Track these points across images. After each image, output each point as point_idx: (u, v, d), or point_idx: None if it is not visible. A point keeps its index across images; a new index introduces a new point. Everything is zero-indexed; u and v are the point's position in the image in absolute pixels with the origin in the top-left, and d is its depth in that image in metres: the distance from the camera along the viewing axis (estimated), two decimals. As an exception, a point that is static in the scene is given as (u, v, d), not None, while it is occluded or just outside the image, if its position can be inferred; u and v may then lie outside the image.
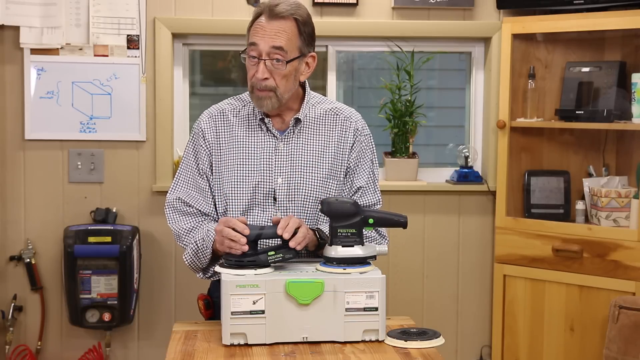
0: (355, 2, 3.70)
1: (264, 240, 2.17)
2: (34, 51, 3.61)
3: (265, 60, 2.23)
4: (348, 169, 2.38)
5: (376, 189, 2.43)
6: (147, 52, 3.66)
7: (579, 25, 3.47)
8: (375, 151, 2.45)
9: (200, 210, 2.36)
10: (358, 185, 2.38)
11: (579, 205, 3.57)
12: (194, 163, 2.38)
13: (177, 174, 2.42)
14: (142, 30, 3.64)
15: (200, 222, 2.35)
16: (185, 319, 2.49)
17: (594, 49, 3.66)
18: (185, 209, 2.36)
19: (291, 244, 2.11)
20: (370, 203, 2.40)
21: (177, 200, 2.37)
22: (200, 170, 2.37)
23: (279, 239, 2.13)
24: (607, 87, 3.53)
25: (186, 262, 2.34)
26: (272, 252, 2.10)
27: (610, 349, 3.16)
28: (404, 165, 3.78)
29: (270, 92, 2.25)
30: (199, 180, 2.37)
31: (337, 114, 2.40)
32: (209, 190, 2.36)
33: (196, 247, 2.29)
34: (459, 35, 3.79)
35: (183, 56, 3.81)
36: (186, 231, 2.35)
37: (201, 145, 2.37)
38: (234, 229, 2.09)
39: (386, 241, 2.42)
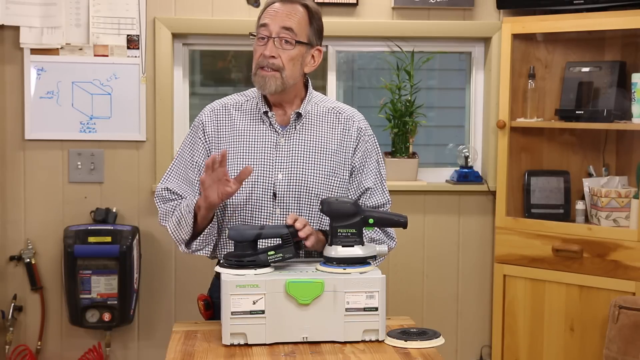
0: (355, 2, 3.70)
1: (264, 240, 2.17)
2: (34, 51, 3.61)
3: (274, 38, 2.25)
4: (353, 169, 2.38)
5: (384, 190, 2.43)
6: (147, 52, 3.66)
7: (579, 25, 3.47)
8: (380, 151, 2.45)
9: (184, 198, 2.36)
10: (366, 186, 2.38)
11: (579, 205, 3.57)
12: (188, 156, 2.38)
13: (171, 164, 2.42)
14: (142, 30, 3.64)
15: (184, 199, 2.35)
16: (185, 319, 2.49)
17: (594, 49, 3.66)
18: (171, 197, 2.37)
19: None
20: (380, 204, 2.40)
21: (165, 190, 2.37)
22: (194, 163, 2.36)
23: (278, 239, 2.13)
24: (607, 87, 3.53)
25: (170, 232, 2.33)
26: (272, 252, 2.09)
27: (610, 349, 3.16)
28: (404, 165, 3.78)
29: (276, 72, 2.26)
30: (190, 173, 2.37)
31: (339, 113, 2.40)
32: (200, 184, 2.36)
33: (180, 214, 2.28)
34: (459, 35, 3.79)
35: (183, 56, 3.81)
36: (172, 208, 2.34)
37: (200, 138, 2.37)
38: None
39: (394, 242, 2.42)
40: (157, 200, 2.40)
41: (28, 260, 3.65)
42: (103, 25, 3.62)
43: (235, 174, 2.30)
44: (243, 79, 4.28)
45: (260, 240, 2.12)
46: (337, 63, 3.89)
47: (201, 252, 2.35)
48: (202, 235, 2.31)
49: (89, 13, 3.61)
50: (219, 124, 2.37)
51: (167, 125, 3.70)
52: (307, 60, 2.33)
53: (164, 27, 3.65)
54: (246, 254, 2.08)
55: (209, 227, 2.29)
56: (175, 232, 2.32)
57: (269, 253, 2.09)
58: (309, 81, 2.41)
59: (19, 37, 3.58)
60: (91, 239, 3.53)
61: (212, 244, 2.34)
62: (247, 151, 2.33)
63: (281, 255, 2.10)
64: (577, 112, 3.52)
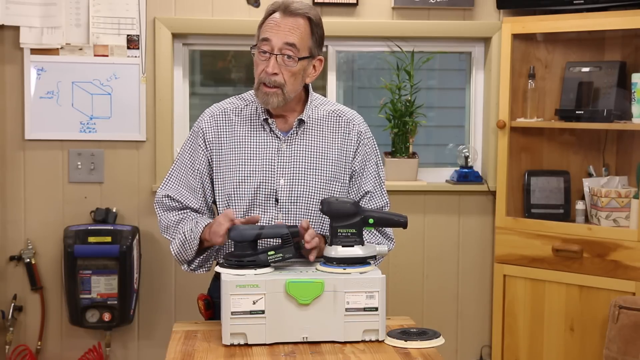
0: (355, 2, 3.70)
1: (264, 240, 2.17)
2: (34, 51, 3.61)
3: (277, 55, 2.24)
4: (353, 173, 2.38)
5: (383, 192, 2.43)
6: (147, 52, 3.66)
7: (579, 25, 3.47)
8: (379, 154, 2.45)
9: (187, 205, 2.36)
10: (366, 190, 2.39)
11: (579, 205, 3.57)
12: (188, 162, 2.38)
13: (170, 170, 2.42)
14: (142, 30, 3.64)
15: (189, 214, 2.35)
16: (185, 319, 2.49)
17: (594, 49, 3.66)
18: (172, 205, 2.37)
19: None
20: (379, 206, 2.40)
21: (166, 197, 2.37)
22: (195, 170, 2.36)
23: (279, 239, 2.13)
24: (607, 87, 3.53)
25: (172, 252, 2.34)
26: (272, 252, 2.09)
27: (610, 349, 3.16)
28: (404, 165, 3.78)
29: (278, 89, 2.25)
30: (191, 179, 2.36)
31: (339, 116, 2.40)
32: (201, 190, 2.36)
33: (184, 237, 2.29)
34: (459, 35, 3.79)
35: (183, 56, 3.81)
36: (175, 222, 2.35)
37: (200, 145, 2.36)
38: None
39: (392, 243, 2.42)
40: (158, 208, 2.39)
41: (28, 260, 3.65)
42: (103, 25, 3.62)
43: (238, 180, 2.32)
44: (243, 79, 4.28)
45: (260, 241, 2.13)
46: (337, 63, 3.89)
47: (202, 269, 2.37)
48: (204, 255, 2.32)
49: (89, 13, 3.61)
50: (219, 130, 2.36)
51: (167, 125, 3.70)
52: (308, 72, 2.32)
53: (164, 27, 3.65)
54: (246, 254, 2.08)
55: (210, 248, 2.33)
56: (178, 253, 2.32)
57: (269, 253, 2.09)
58: (310, 84, 2.40)
59: (19, 37, 3.58)
60: (91, 239, 3.53)
61: (211, 261, 2.37)
62: (249, 157, 2.33)
63: (281, 255, 2.10)
64: (577, 112, 3.52)
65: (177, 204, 2.36)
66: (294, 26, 2.25)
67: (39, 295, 3.69)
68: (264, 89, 2.26)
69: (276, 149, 2.33)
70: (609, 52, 3.64)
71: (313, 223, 2.32)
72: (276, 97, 2.26)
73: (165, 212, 2.37)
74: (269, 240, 2.19)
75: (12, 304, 3.65)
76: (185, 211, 2.36)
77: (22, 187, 3.68)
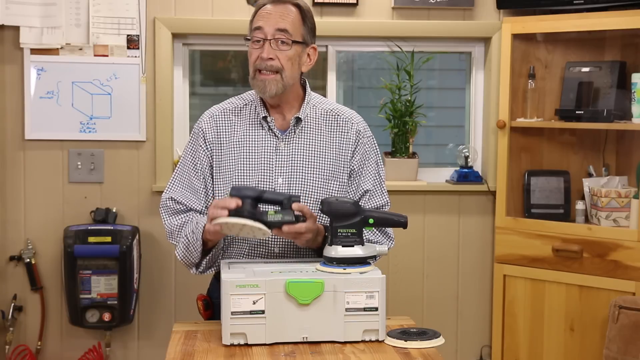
0: (355, 2, 3.70)
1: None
2: (34, 51, 3.61)
3: (270, 40, 2.25)
4: (352, 172, 2.38)
5: (383, 191, 2.42)
6: (147, 52, 3.66)
7: (579, 25, 3.48)
8: (379, 153, 2.45)
9: (190, 208, 2.36)
10: (365, 189, 2.38)
11: (579, 205, 3.57)
12: (190, 163, 2.38)
13: (173, 173, 2.42)
14: (142, 30, 3.65)
15: (190, 217, 2.34)
16: (185, 319, 2.49)
17: (594, 49, 3.66)
18: (176, 207, 2.36)
19: (294, 206, 2.11)
20: (379, 205, 2.40)
21: (170, 200, 2.37)
22: (198, 171, 2.36)
23: (279, 205, 2.13)
24: (607, 87, 3.53)
25: (179, 257, 2.34)
26: (272, 212, 2.09)
27: (610, 349, 3.16)
28: (404, 165, 3.78)
29: (276, 75, 2.26)
30: (194, 180, 2.36)
31: (338, 115, 2.40)
32: (204, 191, 2.36)
33: (187, 240, 2.28)
34: (459, 35, 3.79)
35: (183, 56, 3.81)
36: (178, 227, 2.34)
37: (200, 145, 2.37)
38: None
39: (391, 242, 2.42)
40: (162, 212, 2.39)
41: (28, 260, 3.65)
42: (103, 25, 3.62)
43: (237, 179, 2.31)
44: (243, 79, 4.28)
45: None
46: (337, 63, 3.89)
47: (210, 270, 2.36)
48: (210, 255, 2.31)
49: (89, 13, 3.61)
50: (218, 131, 2.36)
51: (167, 125, 3.70)
52: (303, 60, 2.33)
53: (164, 27, 3.65)
54: (245, 208, 2.07)
55: (215, 247, 2.32)
56: (184, 257, 2.32)
57: (269, 212, 2.09)
58: (307, 82, 2.41)
59: (19, 37, 3.58)
60: (91, 239, 3.53)
61: (219, 261, 2.35)
62: (248, 157, 2.33)
63: (281, 216, 2.10)
64: (577, 112, 3.52)
65: (181, 206, 2.36)
66: (285, 12, 2.27)
67: (39, 295, 3.69)
68: (260, 76, 2.27)
69: (274, 148, 2.33)
70: (609, 52, 3.64)
71: None
72: (275, 83, 2.26)
73: (170, 217, 2.37)
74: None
75: (12, 304, 3.65)
76: (188, 214, 2.35)
77: (22, 187, 3.68)
